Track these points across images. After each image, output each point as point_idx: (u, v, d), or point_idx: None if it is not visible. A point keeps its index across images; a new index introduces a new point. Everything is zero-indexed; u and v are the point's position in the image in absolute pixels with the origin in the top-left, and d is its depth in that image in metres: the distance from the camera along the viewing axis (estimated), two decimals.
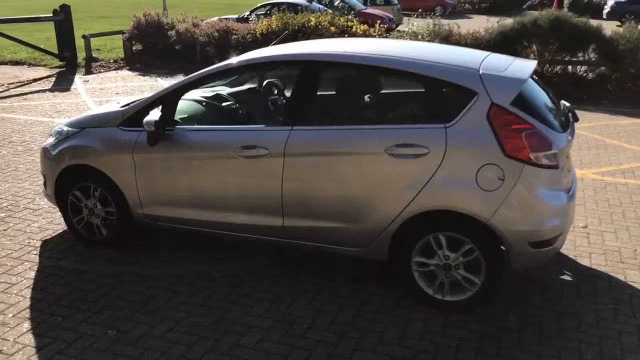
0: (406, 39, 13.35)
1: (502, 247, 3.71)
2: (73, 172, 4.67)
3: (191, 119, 4.48)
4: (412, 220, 3.77)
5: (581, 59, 12.27)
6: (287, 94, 4.97)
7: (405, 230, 3.81)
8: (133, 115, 4.46)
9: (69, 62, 14.32)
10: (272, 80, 4.95)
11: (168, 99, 4.37)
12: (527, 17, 12.41)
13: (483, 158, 3.60)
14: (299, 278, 4.29)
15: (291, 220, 4.07)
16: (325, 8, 18.11)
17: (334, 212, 3.95)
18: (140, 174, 4.39)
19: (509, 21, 13.35)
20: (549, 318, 3.83)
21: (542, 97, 4.01)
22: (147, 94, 4.75)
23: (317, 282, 4.24)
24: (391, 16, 22.97)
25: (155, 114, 4.20)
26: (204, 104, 4.72)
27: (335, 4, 22.34)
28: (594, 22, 12.56)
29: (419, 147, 3.69)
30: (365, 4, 24.45)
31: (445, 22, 14.13)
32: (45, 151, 4.88)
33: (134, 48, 15.54)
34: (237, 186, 4.17)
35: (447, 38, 12.83)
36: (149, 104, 4.43)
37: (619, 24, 24.50)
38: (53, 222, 5.30)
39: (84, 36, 14.99)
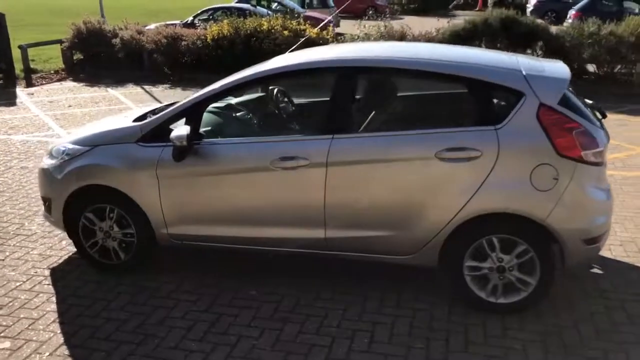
0: (358, 42, 13.42)
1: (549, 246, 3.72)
2: (85, 193, 4.34)
3: (215, 131, 4.26)
4: (465, 224, 3.73)
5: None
6: (296, 101, 4.84)
7: (458, 235, 3.77)
8: (154, 129, 4.20)
9: (6, 74, 13.47)
10: (280, 88, 4.81)
11: (193, 111, 4.15)
12: (479, 17, 12.70)
13: (537, 158, 3.60)
14: (338, 290, 4.16)
15: (334, 231, 3.95)
16: (270, 12, 17.91)
17: (381, 221, 3.86)
18: (164, 191, 4.14)
19: (456, 21, 13.72)
20: (599, 313, 3.87)
21: (574, 96, 4.06)
22: (154, 105, 4.53)
23: (352, 293, 4.13)
24: (332, 19, 23.01)
25: (183, 128, 3.96)
26: (223, 115, 4.50)
27: (273, 7, 22.18)
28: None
29: (470, 150, 3.65)
30: (302, 6, 24.39)
31: (395, 23, 14.35)
32: (47, 173, 4.52)
33: (74, 58, 14.83)
34: (273, 199, 4.00)
35: (402, 39, 12.97)
36: (171, 117, 4.19)
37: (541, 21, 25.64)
38: (53, 247, 4.93)
39: (20, 46, 14.15)
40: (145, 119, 4.44)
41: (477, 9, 34.70)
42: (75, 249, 4.63)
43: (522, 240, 3.70)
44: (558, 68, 4.02)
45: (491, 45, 12.78)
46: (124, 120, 4.64)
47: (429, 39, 12.92)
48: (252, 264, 4.52)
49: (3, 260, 4.71)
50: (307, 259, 4.30)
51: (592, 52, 11.84)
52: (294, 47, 4.80)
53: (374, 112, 4.06)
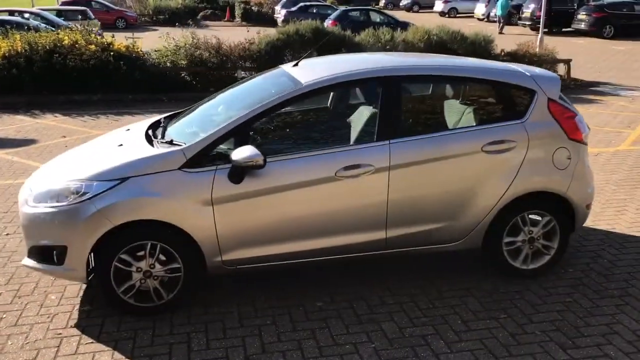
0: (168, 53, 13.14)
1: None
2: (118, 232, 3.88)
3: (271, 147, 4.13)
4: (505, 206, 4.34)
5: None
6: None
7: (498, 217, 4.36)
8: (201, 152, 3.95)
9: None
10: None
11: (242, 130, 4.02)
12: (291, 27, 13.44)
13: (555, 143, 4.38)
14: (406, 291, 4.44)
15: (394, 230, 4.22)
16: (47, 27, 16.28)
17: (436, 214, 4.26)
18: (220, 216, 3.93)
19: (269, 32, 14.27)
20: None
21: None
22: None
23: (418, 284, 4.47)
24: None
25: (247, 148, 3.84)
26: (272, 131, 4.40)
27: (30, 19, 20.12)
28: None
29: (508, 142, 4.28)
30: (59, 18, 22.50)
31: (200, 32, 14.35)
32: (51, 218, 3.90)
33: None
34: (336, 208, 4.11)
35: (219, 48, 13.06)
36: (219, 139, 3.99)
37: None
38: (67, 297, 4.26)
39: None
40: (152, 140, 4.22)
41: (225, 19, 35.73)
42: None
43: (547, 213, 4.44)
44: (543, 70, 4.84)
45: (303, 53, 13.61)
46: (142, 144, 4.23)
47: (244, 49, 13.19)
48: (280, 279, 4.50)
49: (17, 320, 3.92)
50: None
51: None
52: (305, 55, 4.85)
53: (421, 115, 4.42)
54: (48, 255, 4.00)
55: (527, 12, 28.50)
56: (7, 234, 5.44)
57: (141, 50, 13.13)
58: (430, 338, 3.80)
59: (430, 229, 4.28)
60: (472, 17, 35.98)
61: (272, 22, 32.55)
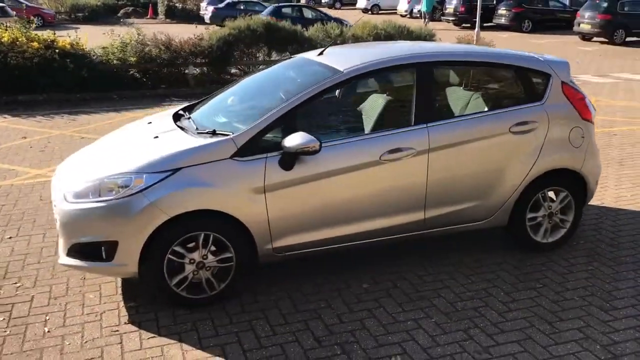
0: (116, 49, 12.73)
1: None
2: (171, 224, 3.83)
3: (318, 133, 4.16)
4: (529, 184, 4.61)
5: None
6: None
7: (524, 194, 4.62)
8: (251, 141, 3.96)
9: None
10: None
11: (290, 117, 4.06)
12: (242, 23, 13.36)
13: (571, 123, 4.70)
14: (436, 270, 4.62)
15: (432, 211, 4.40)
16: None
17: (470, 193, 4.47)
18: (272, 203, 3.96)
19: (218, 29, 14.10)
20: None
21: None
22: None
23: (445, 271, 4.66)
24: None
25: (299, 135, 3.88)
26: (319, 116, 4.47)
27: None
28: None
29: (532, 122, 4.55)
30: None
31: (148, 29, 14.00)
32: (99, 213, 3.79)
33: None
34: (380, 191, 4.23)
35: (169, 44, 12.80)
36: (268, 127, 4.01)
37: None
38: (107, 296, 4.12)
39: None
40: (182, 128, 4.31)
41: (148, 16, 34.82)
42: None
43: (564, 188, 4.76)
44: (552, 56, 5.14)
45: (255, 48, 13.61)
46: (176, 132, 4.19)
47: (194, 44, 12.99)
48: (317, 266, 4.58)
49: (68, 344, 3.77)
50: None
51: None
52: (326, 46, 4.91)
53: (454, 99, 4.60)
54: (94, 251, 3.88)
55: (450, 8, 29.59)
56: (10, 237, 5.18)
57: (86, 48, 12.64)
58: (482, 310, 4.00)
59: (464, 208, 4.48)
60: (395, 13, 36.85)
61: (198, 19, 32.06)
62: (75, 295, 4.22)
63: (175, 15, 33.92)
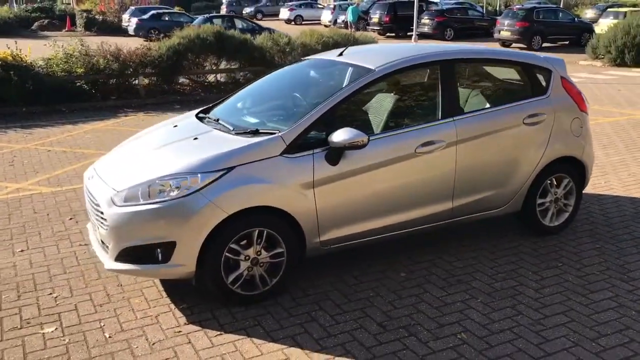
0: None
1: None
2: (229, 222, 3.88)
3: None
4: (540, 172, 4.98)
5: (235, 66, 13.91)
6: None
7: (535, 181, 4.98)
8: (299, 138, 4.08)
9: None
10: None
11: (332, 114, 4.21)
12: (192, 31, 13.28)
13: (572, 114, 5.12)
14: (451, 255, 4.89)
15: (458, 200, 4.67)
16: None
17: (491, 182, 4.77)
18: (320, 198, 4.09)
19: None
20: None
21: None
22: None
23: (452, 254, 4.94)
24: None
25: (346, 130, 4.04)
26: (354, 113, 4.59)
27: None
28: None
29: (541, 115, 4.93)
30: None
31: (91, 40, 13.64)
32: (161, 213, 3.80)
33: None
34: (414, 182, 4.45)
35: (118, 55, 12.54)
36: (313, 124, 4.14)
37: (145, 39, 26.84)
38: (153, 300, 4.08)
39: None
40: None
41: (66, 29, 33.59)
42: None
43: (567, 175, 5.16)
44: (548, 55, 5.54)
45: (205, 57, 13.56)
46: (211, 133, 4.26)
47: (143, 54, 12.79)
48: (348, 258, 4.75)
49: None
50: None
51: (288, 60, 13.80)
52: (344, 49, 5.07)
53: (474, 94, 4.89)
54: (147, 254, 3.87)
55: (375, 17, 30.44)
56: (22, 250, 5.00)
57: (28, 59, 12.15)
58: (519, 288, 4.29)
59: (486, 196, 4.78)
60: (319, 24, 37.42)
61: (119, 31, 31.32)
62: (119, 301, 4.15)
63: (96, 27, 32.92)
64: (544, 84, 5.08)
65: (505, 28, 24.54)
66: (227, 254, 3.89)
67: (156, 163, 4.12)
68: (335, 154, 4.07)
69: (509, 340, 3.64)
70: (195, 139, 4.32)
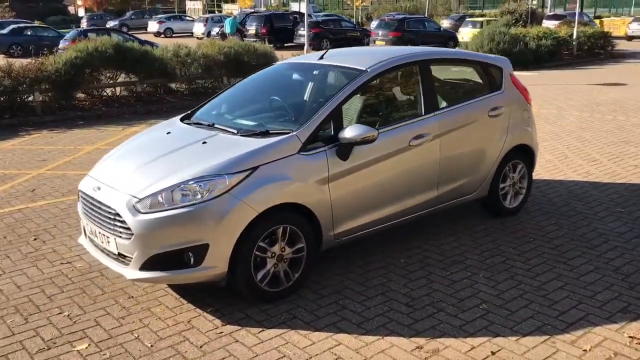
0: None
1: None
2: (258, 221, 3.97)
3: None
4: (502, 159, 5.53)
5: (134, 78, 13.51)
6: None
7: (498, 168, 5.52)
8: (312, 136, 4.26)
9: None
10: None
11: (338, 112, 4.42)
12: (90, 44, 12.73)
13: (522, 107, 5.74)
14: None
15: (442, 188, 5.06)
16: None
17: (466, 170, 5.21)
18: (334, 192, 4.28)
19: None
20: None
21: None
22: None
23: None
24: None
25: (357, 127, 4.28)
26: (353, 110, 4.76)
27: None
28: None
29: (500, 108, 5.48)
30: None
31: None
32: (194, 216, 3.80)
33: None
34: (408, 173, 4.77)
35: (9, 71, 11.73)
36: (323, 122, 4.33)
37: (5, 55, 25.15)
38: (175, 307, 4.02)
39: None
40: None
41: None
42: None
43: (521, 161, 5.77)
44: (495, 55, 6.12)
45: (104, 70, 13.05)
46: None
47: (38, 69, 12.06)
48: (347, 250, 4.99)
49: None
50: None
51: (190, 71, 13.68)
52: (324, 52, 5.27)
53: (446, 91, 5.30)
54: (178, 259, 3.85)
55: (251, 29, 30.68)
56: (23, 270, 4.68)
57: None
58: (510, 262, 4.75)
59: (463, 184, 5.22)
60: (191, 36, 36.91)
61: None
62: (140, 312, 4.06)
63: None
64: (498, 80, 5.64)
65: (379, 37, 25.89)
66: (256, 252, 3.96)
67: (172, 168, 4.08)
68: (346, 149, 4.29)
69: (525, 306, 4.06)
70: (204, 142, 4.33)
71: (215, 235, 3.82)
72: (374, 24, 30.18)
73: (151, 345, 3.64)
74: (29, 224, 5.79)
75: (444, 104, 5.21)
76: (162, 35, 39.12)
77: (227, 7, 53.67)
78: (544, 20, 31.97)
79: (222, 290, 4.13)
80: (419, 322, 3.87)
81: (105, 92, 13.46)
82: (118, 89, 13.59)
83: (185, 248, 3.81)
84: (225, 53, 14.17)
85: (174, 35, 39.29)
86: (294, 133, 4.21)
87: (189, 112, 5.27)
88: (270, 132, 4.31)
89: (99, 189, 4.17)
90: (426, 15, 34.44)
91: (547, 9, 42.18)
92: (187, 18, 43.41)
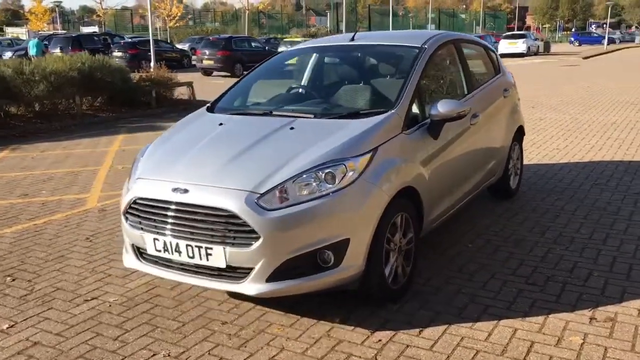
0: None
1: None
2: (388, 208, 3.46)
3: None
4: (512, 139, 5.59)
5: None
6: None
7: (510, 149, 5.57)
8: (408, 113, 3.87)
9: None
10: None
11: (417, 90, 4.07)
12: None
13: (515, 89, 5.89)
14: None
15: (481, 171, 4.92)
16: None
17: (495, 150, 5.14)
18: (430, 173, 3.92)
19: None
20: None
21: None
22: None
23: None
24: None
25: (449, 102, 3.97)
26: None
27: None
28: None
29: (509, 89, 5.59)
30: None
31: None
32: (331, 207, 3.20)
33: None
34: (472, 152, 4.59)
35: None
36: (410, 100, 3.94)
37: None
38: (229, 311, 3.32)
39: None
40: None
41: None
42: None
43: (517, 141, 5.87)
44: None
45: None
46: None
47: None
48: None
49: None
50: None
51: (42, 89, 11.95)
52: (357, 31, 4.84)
53: (474, 72, 5.19)
54: (312, 262, 3.21)
55: (55, 51, 27.92)
56: (10, 327, 3.51)
57: None
58: (530, 237, 4.76)
59: (493, 164, 5.14)
60: None
61: None
62: (257, 336, 3.29)
63: None
64: (496, 63, 5.71)
65: (207, 57, 25.11)
66: (386, 245, 3.46)
67: (278, 157, 3.39)
68: (438, 127, 3.96)
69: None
70: (292, 128, 3.69)
71: (355, 227, 3.25)
72: (199, 44, 29.35)
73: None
74: None
75: (478, 83, 5.11)
76: None
77: (11, 30, 48.40)
78: None
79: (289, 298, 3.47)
80: (562, 294, 3.67)
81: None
82: None
83: (325, 246, 3.17)
84: (79, 69, 12.62)
85: None
86: (394, 111, 3.77)
87: (209, 104, 4.51)
88: (363, 112, 3.83)
89: (185, 191, 3.28)
90: (247, 35, 34.56)
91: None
92: None
